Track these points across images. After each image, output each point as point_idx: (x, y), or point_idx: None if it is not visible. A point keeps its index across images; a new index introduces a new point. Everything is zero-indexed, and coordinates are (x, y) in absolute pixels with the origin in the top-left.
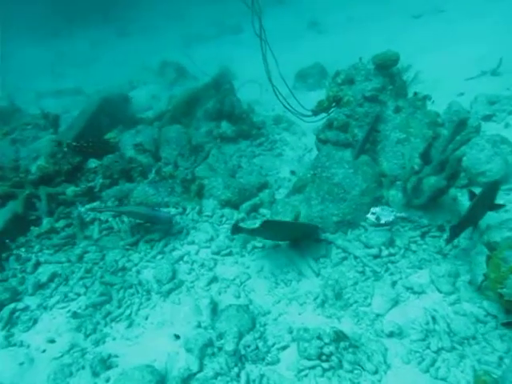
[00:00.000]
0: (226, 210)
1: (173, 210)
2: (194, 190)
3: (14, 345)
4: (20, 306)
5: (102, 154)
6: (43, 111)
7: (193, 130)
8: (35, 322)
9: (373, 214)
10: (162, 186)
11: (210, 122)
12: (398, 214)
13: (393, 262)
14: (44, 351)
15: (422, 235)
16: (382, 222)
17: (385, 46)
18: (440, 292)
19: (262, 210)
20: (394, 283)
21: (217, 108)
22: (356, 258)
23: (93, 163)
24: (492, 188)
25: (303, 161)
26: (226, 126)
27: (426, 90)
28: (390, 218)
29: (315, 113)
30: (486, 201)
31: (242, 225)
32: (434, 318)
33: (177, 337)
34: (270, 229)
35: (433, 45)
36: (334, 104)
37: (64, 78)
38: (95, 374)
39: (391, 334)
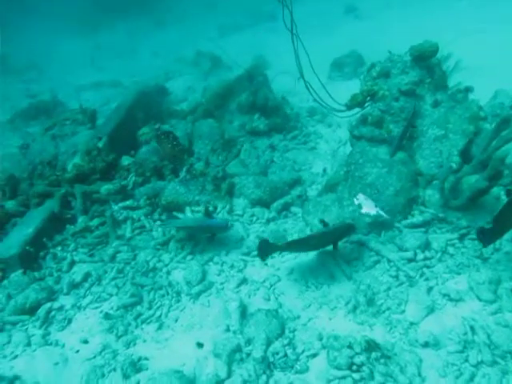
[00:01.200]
0: (257, 209)
1: (203, 209)
2: (224, 189)
3: (51, 344)
4: (56, 305)
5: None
6: (81, 106)
7: (226, 123)
8: (69, 321)
9: (357, 199)
10: (193, 185)
11: (243, 115)
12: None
13: (428, 267)
14: (78, 351)
15: (461, 238)
16: (363, 211)
17: (425, 31)
18: (480, 300)
19: (294, 209)
20: (429, 289)
21: (250, 101)
22: (389, 261)
23: (126, 160)
24: None
25: (337, 155)
26: (258, 120)
27: (469, 79)
28: (372, 212)
29: (349, 107)
30: None
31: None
32: (472, 328)
33: (200, 345)
34: (295, 247)
35: (477, 26)
36: (368, 98)
37: (103, 70)
38: (126, 377)
39: (426, 345)
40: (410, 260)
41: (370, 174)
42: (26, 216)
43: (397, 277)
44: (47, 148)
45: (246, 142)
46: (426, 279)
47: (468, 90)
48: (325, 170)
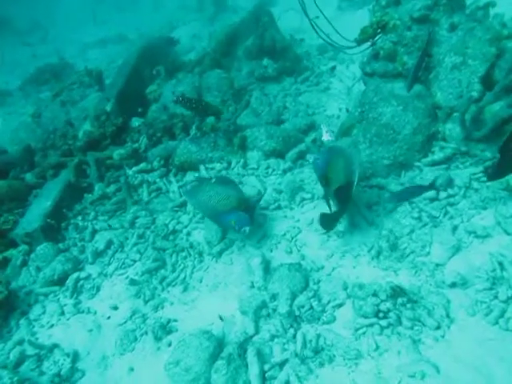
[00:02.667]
0: (272, 161)
1: (217, 166)
2: (236, 144)
3: (83, 312)
4: (83, 274)
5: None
6: (86, 68)
7: (235, 71)
8: (98, 289)
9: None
10: (205, 142)
11: (251, 60)
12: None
13: (452, 204)
14: (109, 318)
15: (486, 171)
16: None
17: None
18: (508, 234)
19: (310, 157)
20: (454, 228)
21: (257, 44)
22: (411, 203)
23: (136, 122)
24: None
25: (352, 93)
26: (267, 65)
27: None
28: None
29: (359, 42)
30: None
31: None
32: (501, 264)
33: (221, 319)
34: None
35: None
36: (379, 31)
37: (106, 24)
38: (157, 339)
39: (454, 285)
40: (433, 199)
41: (384, 114)
42: (43, 188)
43: (419, 218)
44: (58, 115)
45: (256, 89)
46: (451, 218)
47: (489, 4)
48: (347, 110)
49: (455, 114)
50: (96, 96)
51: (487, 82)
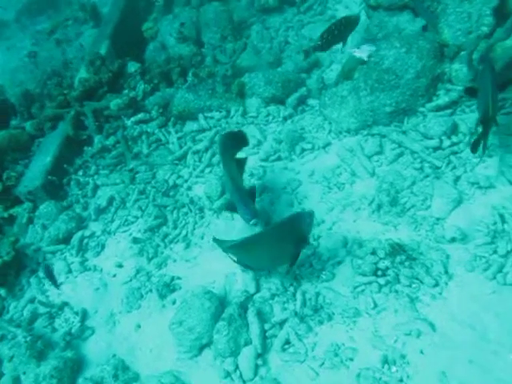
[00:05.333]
0: (272, 108)
1: (216, 114)
2: (234, 91)
3: (89, 269)
4: (87, 232)
5: None
6: (79, 2)
7: (234, 2)
8: (103, 247)
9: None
10: (202, 89)
11: None
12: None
13: (456, 153)
14: (114, 276)
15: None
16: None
17: None
18: (511, 184)
19: (311, 101)
20: (456, 179)
21: None
22: (413, 152)
23: (132, 67)
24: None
25: (360, 22)
26: None
27: None
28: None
29: None
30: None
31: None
32: (502, 217)
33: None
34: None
35: None
36: None
37: None
38: (162, 297)
39: (453, 240)
40: (436, 148)
41: (386, 58)
42: (42, 143)
43: (421, 169)
44: (55, 55)
45: (256, 22)
46: (453, 168)
47: None
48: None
49: (463, 53)
50: (92, 33)
51: (500, 14)
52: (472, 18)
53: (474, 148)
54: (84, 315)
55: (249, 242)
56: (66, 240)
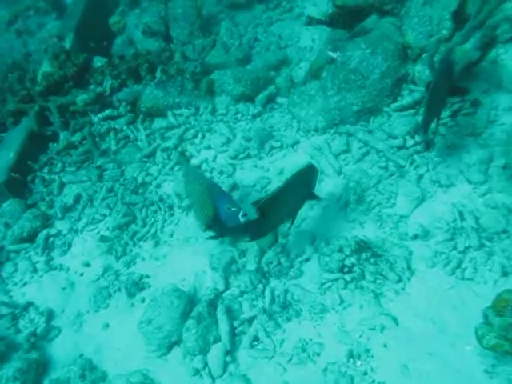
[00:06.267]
0: (241, 106)
1: (185, 112)
2: (203, 89)
3: (55, 269)
4: (53, 231)
5: None
6: None
7: None
8: (69, 246)
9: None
10: (171, 86)
11: None
12: None
13: (419, 152)
14: (82, 275)
15: (453, 114)
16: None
17: None
18: (470, 183)
19: (280, 99)
20: (419, 178)
21: None
22: (378, 151)
23: (99, 62)
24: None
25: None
26: None
27: None
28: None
29: None
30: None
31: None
32: (461, 214)
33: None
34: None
35: None
36: None
37: None
38: (131, 295)
39: (416, 237)
40: (400, 147)
41: (353, 58)
42: (4, 139)
43: (386, 167)
44: (15, 46)
45: (225, 19)
46: (417, 166)
47: None
48: (314, 42)
49: (425, 55)
50: (55, 25)
51: (459, 17)
52: (433, 22)
53: (426, 146)
54: (50, 315)
55: (278, 194)
56: (30, 238)
